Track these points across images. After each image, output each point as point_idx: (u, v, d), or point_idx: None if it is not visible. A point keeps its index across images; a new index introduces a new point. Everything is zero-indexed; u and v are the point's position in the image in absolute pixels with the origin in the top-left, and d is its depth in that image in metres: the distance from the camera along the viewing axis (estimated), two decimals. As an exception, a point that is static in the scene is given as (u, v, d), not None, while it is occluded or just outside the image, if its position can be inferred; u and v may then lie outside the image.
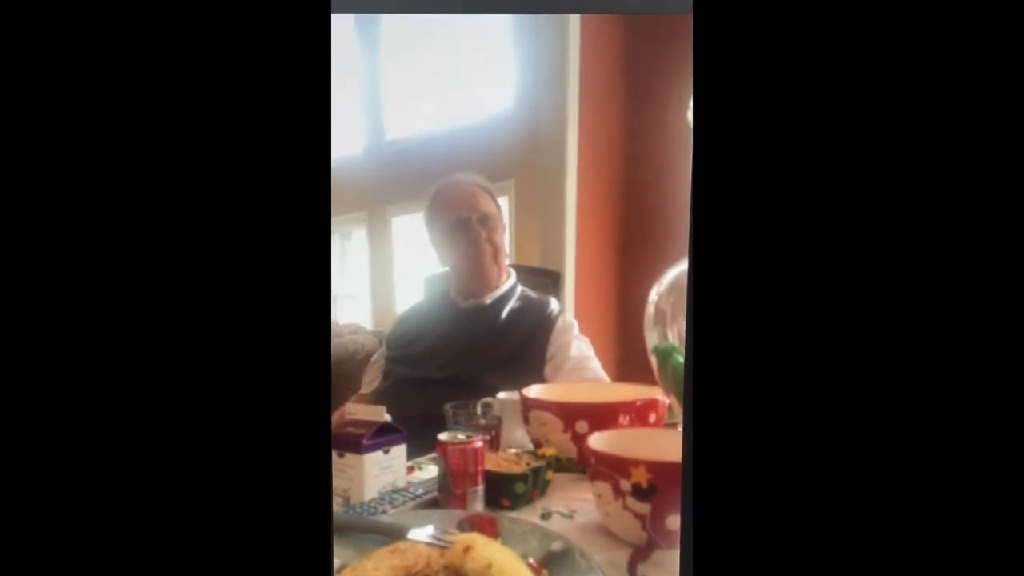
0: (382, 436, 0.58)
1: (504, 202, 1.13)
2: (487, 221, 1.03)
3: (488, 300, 1.04)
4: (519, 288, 1.08)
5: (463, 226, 1.02)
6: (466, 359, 0.96)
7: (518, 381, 0.77)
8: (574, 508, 0.55)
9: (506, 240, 1.08)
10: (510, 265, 1.12)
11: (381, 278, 2.74)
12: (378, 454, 0.57)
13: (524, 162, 1.93)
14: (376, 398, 0.99)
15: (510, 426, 0.71)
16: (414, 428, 0.62)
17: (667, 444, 0.53)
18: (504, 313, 1.03)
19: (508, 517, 0.49)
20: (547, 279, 1.24)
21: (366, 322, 2.48)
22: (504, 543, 0.43)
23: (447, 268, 1.11)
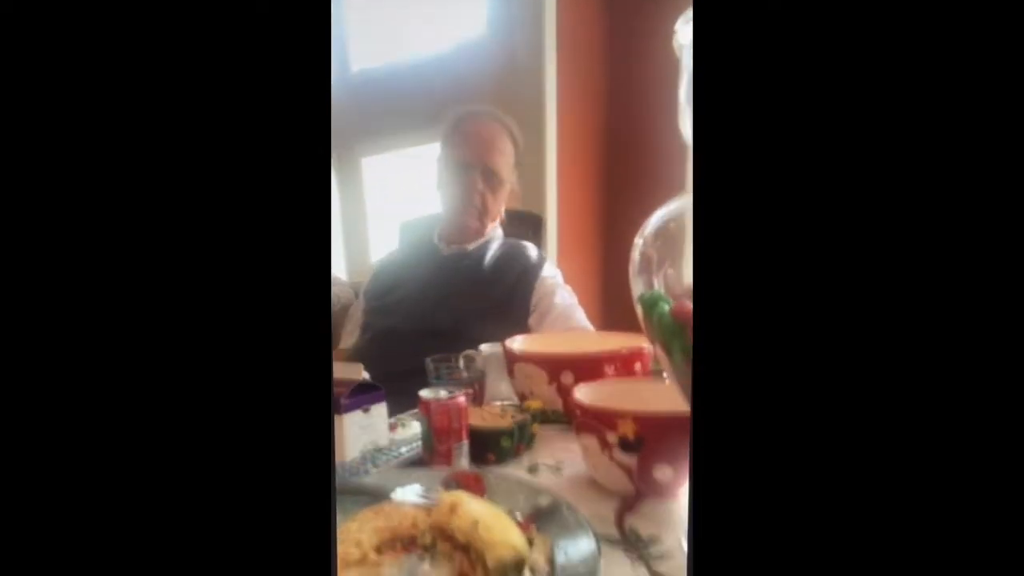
0: (361, 395, 0.56)
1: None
2: (491, 178, 0.98)
3: (471, 247, 1.01)
4: (503, 236, 1.05)
5: (466, 171, 0.97)
6: (447, 308, 0.93)
7: (501, 331, 0.75)
8: (561, 460, 0.55)
9: (504, 198, 1.02)
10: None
11: (353, 225, 2.66)
12: (357, 413, 0.55)
13: (500, 97, 1.83)
14: (354, 354, 0.97)
15: (494, 379, 0.70)
16: (395, 383, 0.60)
17: (653, 395, 0.53)
18: (487, 261, 1.00)
19: (494, 473, 0.49)
20: (529, 223, 1.20)
21: (340, 272, 2.42)
22: (490, 500, 0.42)
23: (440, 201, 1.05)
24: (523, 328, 0.92)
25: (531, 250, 1.03)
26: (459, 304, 0.94)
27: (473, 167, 0.97)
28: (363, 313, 1.04)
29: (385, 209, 2.46)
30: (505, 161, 0.99)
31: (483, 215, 1.00)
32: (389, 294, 1.01)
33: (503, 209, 1.05)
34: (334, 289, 1.91)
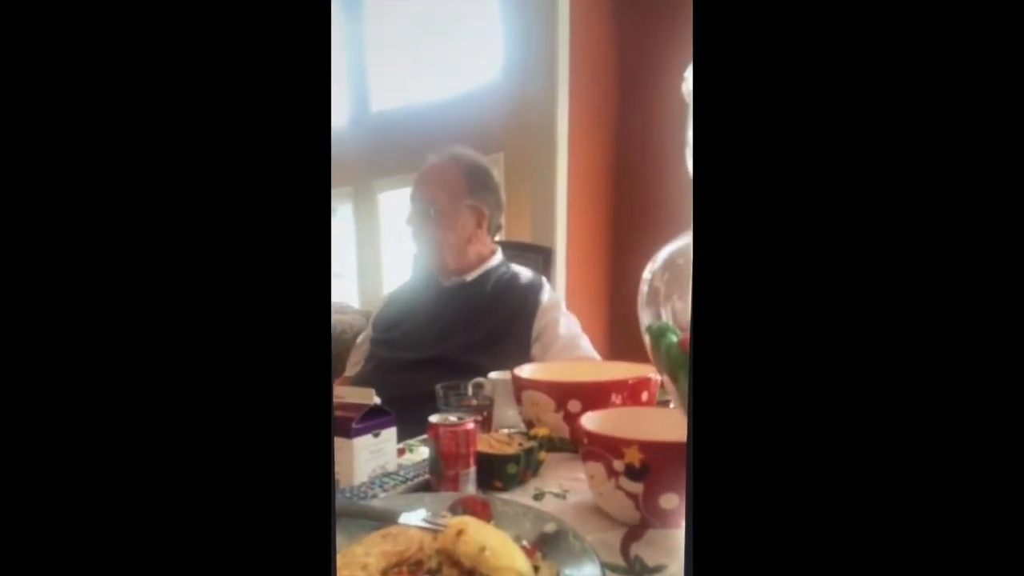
0: (371, 419, 0.57)
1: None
2: (433, 211, 0.99)
3: (469, 278, 1.01)
4: (504, 265, 1.05)
5: (413, 211, 1.00)
6: (447, 339, 0.94)
7: (503, 361, 0.76)
8: (567, 488, 0.55)
9: (461, 227, 1.00)
10: (498, 242, 1.09)
11: (368, 256, 2.71)
12: (367, 438, 0.56)
13: (514, 134, 1.89)
14: (358, 382, 0.97)
15: (502, 406, 0.71)
16: (402, 409, 0.60)
17: (660, 423, 0.53)
18: (487, 291, 1.00)
19: (501, 499, 0.49)
20: (538, 255, 1.22)
21: (353, 301, 2.46)
22: (497, 525, 0.42)
23: None
24: (526, 357, 0.92)
25: (533, 279, 1.02)
26: (459, 334, 0.93)
27: (415, 205, 1.00)
28: (370, 343, 1.05)
29: (400, 241, 2.52)
30: (450, 192, 0.99)
31: (442, 248, 1.00)
32: (395, 327, 1.02)
33: (475, 235, 1.02)
34: (347, 318, 1.93)
